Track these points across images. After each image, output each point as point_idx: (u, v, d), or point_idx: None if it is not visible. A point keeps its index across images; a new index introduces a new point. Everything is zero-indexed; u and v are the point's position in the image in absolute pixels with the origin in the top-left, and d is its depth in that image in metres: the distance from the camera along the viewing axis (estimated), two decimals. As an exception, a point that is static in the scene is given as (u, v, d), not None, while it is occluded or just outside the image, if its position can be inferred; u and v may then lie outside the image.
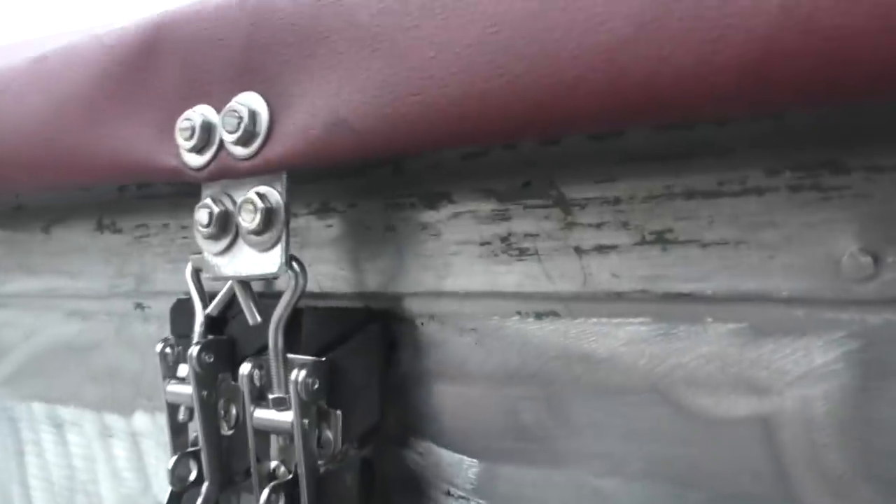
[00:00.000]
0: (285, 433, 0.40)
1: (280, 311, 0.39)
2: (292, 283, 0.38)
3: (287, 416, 0.39)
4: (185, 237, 0.50)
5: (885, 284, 0.29)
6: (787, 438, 0.32)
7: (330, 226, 0.43)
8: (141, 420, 0.56)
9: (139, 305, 0.54)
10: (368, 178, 0.42)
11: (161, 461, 0.57)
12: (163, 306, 0.52)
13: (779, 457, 0.32)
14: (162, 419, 0.55)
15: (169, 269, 0.52)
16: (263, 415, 0.40)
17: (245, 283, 0.41)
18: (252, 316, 0.40)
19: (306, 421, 0.39)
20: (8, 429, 0.67)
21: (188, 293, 0.47)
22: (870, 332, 0.29)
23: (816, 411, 0.31)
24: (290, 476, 0.41)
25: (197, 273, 0.46)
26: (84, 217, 0.56)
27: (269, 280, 0.46)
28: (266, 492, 0.40)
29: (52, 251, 0.58)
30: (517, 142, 0.32)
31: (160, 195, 0.51)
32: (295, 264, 0.38)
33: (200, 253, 0.45)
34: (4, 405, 0.66)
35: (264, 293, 0.46)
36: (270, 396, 0.40)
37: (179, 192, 0.51)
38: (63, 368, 0.60)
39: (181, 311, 0.48)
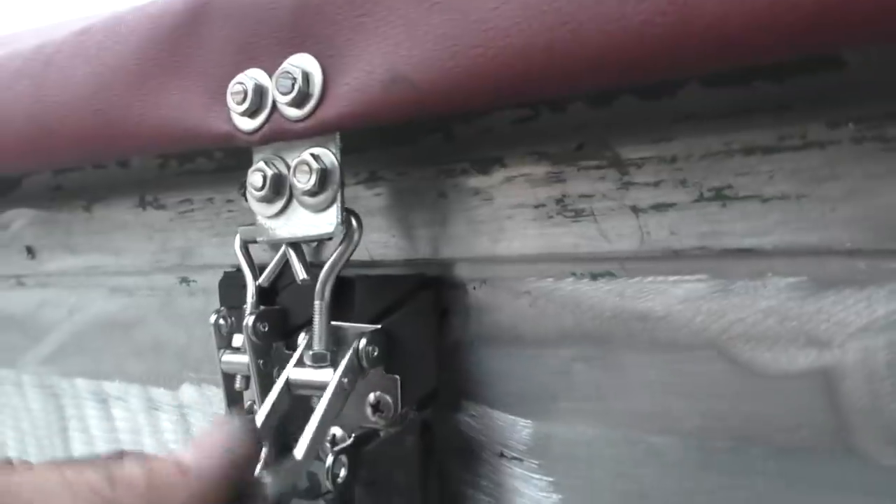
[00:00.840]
0: (320, 391, 0.40)
1: (333, 262, 0.39)
2: (349, 236, 0.38)
3: (324, 375, 0.39)
4: (230, 210, 0.51)
5: (950, 233, 0.29)
6: (848, 390, 0.33)
7: (379, 194, 0.44)
8: (188, 392, 0.57)
9: (184, 280, 0.55)
10: (418, 145, 0.42)
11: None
12: (208, 280, 0.53)
13: (839, 409, 0.33)
14: (209, 391, 0.56)
15: (214, 242, 0.52)
16: (299, 375, 0.40)
17: (297, 246, 0.41)
18: (302, 276, 0.41)
19: (345, 379, 0.39)
20: (52, 405, 0.68)
21: (235, 266, 0.47)
22: (933, 280, 0.30)
23: (878, 362, 0.32)
24: (351, 440, 0.42)
25: (245, 245, 0.47)
26: (125, 195, 0.56)
27: (318, 247, 0.47)
28: (330, 456, 0.41)
29: (94, 229, 0.59)
30: (582, 91, 0.32)
31: (203, 170, 0.52)
32: (353, 219, 0.39)
33: (249, 224, 0.46)
34: (48, 382, 0.67)
35: (313, 263, 0.47)
36: (309, 352, 0.40)
37: (222, 166, 0.51)
38: (107, 344, 0.61)
39: (230, 283, 0.49)
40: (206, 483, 0.30)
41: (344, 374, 0.39)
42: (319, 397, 0.40)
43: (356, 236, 0.39)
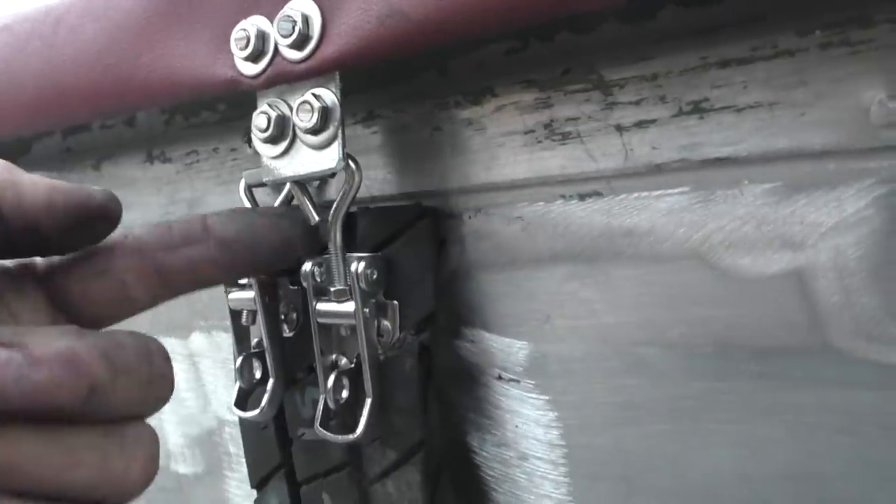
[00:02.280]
0: (348, 322, 0.43)
1: (339, 204, 0.41)
2: (350, 178, 0.41)
3: (349, 307, 0.42)
4: (234, 159, 0.53)
5: (911, 128, 0.31)
6: (822, 288, 0.35)
7: (376, 132, 0.46)
8: (198, 340, 0.59)
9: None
10: (413, 82, 0.44)
11: (219, 379, 0.60)
12: (215, 229, 0.55)
13: (814, 307, 0.35)
14: (219, 337, 0.58)
15: (221, 191, 0.54)
16: (326, 307, 0.43)
17: (302, 186, 0.43)
18: (311, 216, 0.43)
19: (367, 310, 0.42)
20: (66, 364, 0.70)
21: (241, 212, 0.49)
22: (897, 176, 0.32)
23: (849, 258, 0.34)
24: (353, 364, 0.44)
25: (250, 189, 0.49)
26: (133, 151, 0.58)
27: (321, 190, 0.49)
28: (332, 378, 0.43)
29: (103, 186, 0.61)
30: (568, 12, 0.34)
31: (208, 122, 0.54)
32: (351, 162, 0.41)
33: (253, 168, 0.48)
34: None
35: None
36: (332, 289, 0.43)
37: (226, 117, 0.53)
38: (119, 299, 0.63)
39: (236, 227, 0.51)
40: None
41: (363, 304, 0.41)
42: (345, 326, 0.44)
43: (357, 176, 0.41)
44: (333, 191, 0.48)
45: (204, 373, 0.60)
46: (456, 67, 0.42)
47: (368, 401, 0.43)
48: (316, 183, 0.48)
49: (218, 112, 0.53)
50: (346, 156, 0.40)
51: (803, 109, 0.33)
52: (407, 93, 0.44)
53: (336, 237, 0.42)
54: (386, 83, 0.45)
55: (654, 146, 0.37)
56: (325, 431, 0.43)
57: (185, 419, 0.63)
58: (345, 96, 0.45)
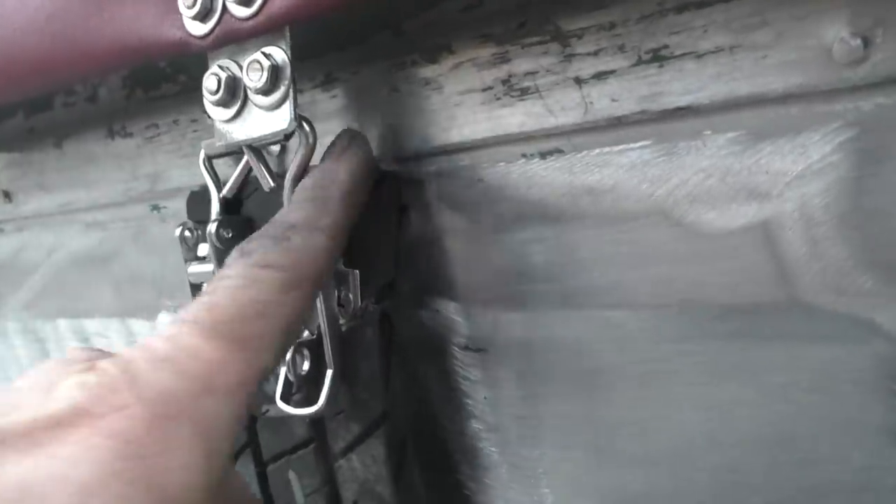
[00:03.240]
0: None
1: (294, 169, 0.40)
2: (303, 140, 0.39)
3: None
4: (195, 130, 0.52)
5: (875, 66, 0.29)
6: (789, 239, 0.33)
7: (335, 96, 0.44)
8: (165, 320, 0.58)
9: (155, 207, 0.56)
10: (370, 42, 0.42)
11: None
12: (178, 205, 0.54)
13: (781, 260, 0.34)
14: (185, 316, 0.57)
15: (182, 164, 0.53)
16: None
17: (258, 151, 0.42)
18: (266, 181, 0.42)
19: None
20: (36, 350, 0.69)
21: (203, 185, 0.48)
22: (863, 118, 0.30)
23: (815, 207, 0.32)
24: (314, 336, 0.43)
25: (209, 159, 0.48)
26: (94, 127, 0.57)
27: (281, 158, 0.48)
28: (290, 351, 0.42)
29: (65, 165, 0.60)
30: None
31: (168, 94, 0.53)
32: (304, 124, 0.39)
33: (212, 138, 0.47)
34: (32, 327, 0.68)
35: (278, 173, 0.47)
36: None
37: (186, 88, 0.52)
38: (86, 281, 0.62)
39: (197, 200, 0.49)
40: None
41: None
42: None
43: (310, 139, 0.40)
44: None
45: (172, 354, 0.59)
46: (412, 26, 0.41)
47: (329, 372, 0.41)
48: (276, 150, 0.46)
49: (178, 83, 0.52)
50: (299, 117, 0.39)
51: (765, 52, 0.32)
52: (364, 54, 0.43)
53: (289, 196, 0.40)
54: (343, 45, 0.44)
55: (613, 98, 0.35)
56: (285, 406, 0.42)
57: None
58: (302, 60, 0.44)
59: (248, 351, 0.30)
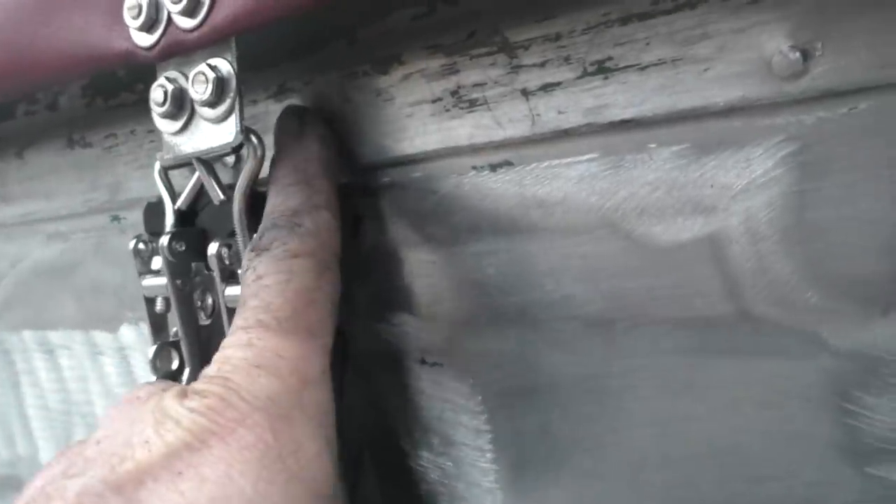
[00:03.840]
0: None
1: (242, 181, 0.39)
2: (251, 153, 0.39)
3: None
4: (152, 141, 0.51)
5: (814, 79, 0.29)
6: (734, 254, 0.33)
7: (288, 107, 0.44)
8: (127, 333, 0.57)
9: (115, 218, 0.55)
10: (323, 52, 0.42)
11: (149, 374, 0.58)
12: (138, 216, 0.53)
13: (727, 274, 0.33)
14: (146, 329, 0.56)
15: (140, 175, 0.52)
16: (234, 292, 0.41)
17: (207, 164, 0.41)
18: (215, 194, 0.41)
19: None
20: (2, 362, 0.68)
21: (160, 196, 0.47)
22: (805, 132, 0.30)
23: (760, 221, 0.32)
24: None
25: (165, 171, 0.47)
26: (54, 136, 0.56)
27: (237, 171, 0.47)
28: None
29: (26, 175, 0.59)
30: None
31: (126, 104, 0.52)
32: (252, 136, 0.39)
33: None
34: (-3, 338, 0.67)
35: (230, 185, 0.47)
36: (239, 271, 0.41)
37: (143, 98, 0.51)
38: (49, 293, 0.61)
39: (153, 212, 0.49)
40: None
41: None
42: None
43: (259, 151, 0.39)
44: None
45: (135, 366, 0.58)
46: (365, 35, 0.41)
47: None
48: (231, 161, 0.46)
49: (136, 92, 0.51)
50: (246, 129, 0.38)
51: (706, 65, 0.31)
52: (317, 63, 0.42)
53: (241, 217, 0.40)
54: (297, 55, 0.43)
55: (559, 111, 0.35)
56: None
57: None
58: (257, 71, 0.44)
59: (318, 338, 0.32)
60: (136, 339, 0.57)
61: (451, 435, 0.44)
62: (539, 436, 0.41)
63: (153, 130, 0.51)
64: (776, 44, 0.30)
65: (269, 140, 0.40)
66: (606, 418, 0.38)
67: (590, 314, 0.37)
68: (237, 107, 0.38)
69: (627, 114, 0.33)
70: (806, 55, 0.29)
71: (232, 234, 0.42)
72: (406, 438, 0.46)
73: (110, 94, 0.53)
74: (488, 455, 0.43)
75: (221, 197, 0.41)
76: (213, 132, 0.39)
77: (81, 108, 0.54)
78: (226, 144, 0.38)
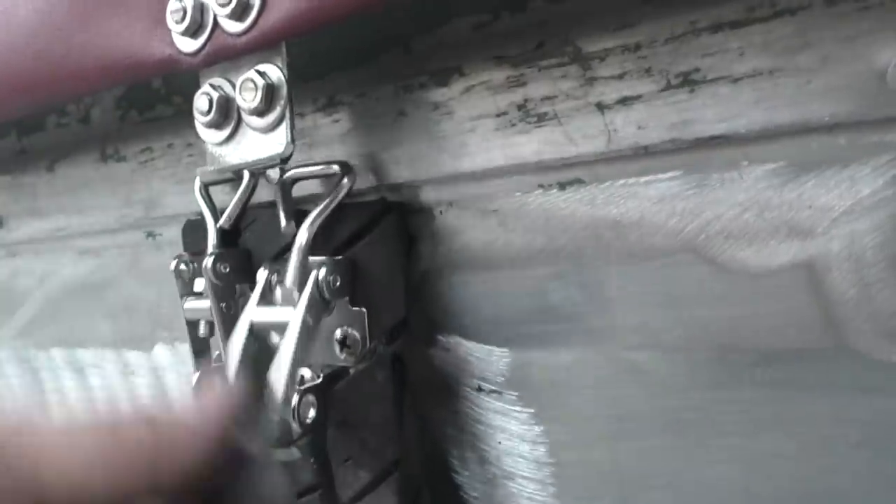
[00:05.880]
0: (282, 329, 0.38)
1: (320, 210, 0.37)
2: (341, 183, 0.37)
3: (289, 313, 0.37)
4: (191, 155, 0.49)
5: (935, 93, 0.27)
6: (835, 281, 0.30)
7: (338, 120, 0.41)
8: (161, 353, 0.55)
9: (150, 234, 0.53)
10: (376, 63, 0.40)
11: (185, 394, 0.56)
12: (174, 233, 0.51)
13: (826, 303, 0.31)
14: (182, 349, 0.54)
15: (177, 190, 0.50)
16: (267, 316, 0.38)
17: (286, 190, 0.39)
18: (283, 221, 0.39)
19: (309, 316, 0.37)
20: (30, 380, 0.66)
21: (199, 213, 0.45)
22: (920, 150, 0.27)
23: (865, 247, 0.29)
24: (321, 379, 0.40)
25: (206, 187, 0.45)
26: (87, 150, 0.54)
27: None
28: (296, 396, 0.39)
29: (58, 190, 0.57)
30: None
31: (162, 117, 0.50)
32: (339, 166, 0.37)
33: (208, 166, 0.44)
34: (25, 356, 0.65)
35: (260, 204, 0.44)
36: (278, 291, 0.38)
37: (181, 111, 0.49)
38: (79, 310, 0.59)
39: (193, 230, 0.47)
40: (209, 444, 0.29)
41: (307, 309, 0.37)
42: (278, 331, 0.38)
43: (349, 180, 0.37)
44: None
45: (169, 387, 0.56)
46: (421, 45, 0.38)
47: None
48: (274, 178, 0.44)
49: (173, 105, 0.49)
50: (339, 164, 0.36)
51: (808, 76, 0.29)
52: (369, 75, 0.40)
53: (304, 251, 0.37)
54: (347, 66, 0.41)
55: (640, 126, 0.32)
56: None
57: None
58: (304, 81, 0.41)
59: None
60: (172, 359, 0.55)
61: (509, 467, 0.41)
62: (607, 469, 0.38)
63: (192, 144, 0.49)
64: (890, 55, 0.27)
65: (321, 154, 0.38)
66: (684, 454, 0.36)
67: (668, 342, 0.35)
68: (288, 115, 0.36)
69: (717, 130, 0.31)
70: (925, 66, 0.26)
71: (279, 255, 0.39)
72: (461, 470, 0.43)
73: (146, 107, 0.51)
74: (550, 488, 0.40)
75: (286, 225, 0.38)
76: (261, 142, 0.37)
77: (115, 120, 0.52)
78: (275, 155, 0.36)
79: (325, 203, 0.38)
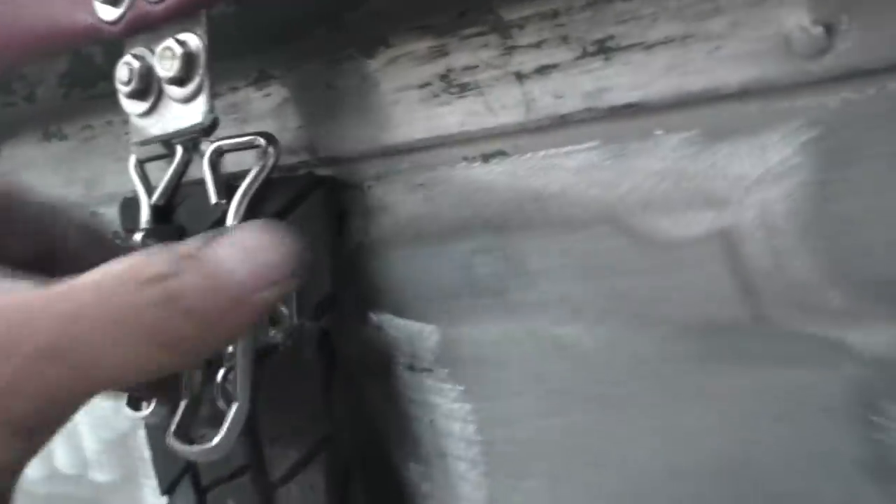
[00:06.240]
0: None
1: (248, 184, 0.36)
2: (267, 153, 0.36)
3: None
4: (129, 132, 0.48)
5: (839, 56, 0.26)
6: (749, 251, 0.30)
7: (269, 94, 0.41)
8: (106, 335, 0.55)
9: (92, 213, 0.52)
10: (307, 37, 0.39)
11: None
12: (116, 211, 0.51)
13: (742, 274, 0.30)
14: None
15: (117, 168, 0.50)
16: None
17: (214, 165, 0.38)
18: (212, 193, 0.38)
19: None
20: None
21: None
22: (827, 116, 0.27)
23: (777, 215, 0.29)
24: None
25: (141, 164, 0.44)
26: (31, 129, 0.54)
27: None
28: (221, 373, 0.38)
29: (3, 170, 0.56)
30: None
31: (105, 94, 0.49)
32: (264, 138, 0.36)
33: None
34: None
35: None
36: None
37: (122, 87, 0.48)
38: (27, 292, 0.58)
39: (130, 207, 0.46)
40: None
41: None
42: None
43: (274, 151, 0.37)
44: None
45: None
46: (352, 18, 0.38)
47: (234, 406, 0.35)
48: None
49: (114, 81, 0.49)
50: (263, 135, 0.36)
51: (718, 42, 0.28)
52: (300, 50, 0.40)
53: (234, 215, 0.37)
54: (279, 40, 0.40)
55: (557, 95, 0.32)
56: (176, 444, 0.35)
57: (99, 422, 0.58)
58: (237, 58, 0.41)
59: None
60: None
61: (441, 446, 0.41)
62: (536, 447, 0.38)
63: (131, 121, 0.49)
64: (796, 18, 0.27)
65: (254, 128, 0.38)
66: (609, 428, 0.35)
67: (589, 316, 0.34)
68: (206, 84, 0.35)
69: (631, 97, 0.30)
70: (829, 30, 0.26)
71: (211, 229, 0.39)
72: (396, 449, 0.43)
73: (88, 84, 0.50)
74: (481, 467, 0.40)
75: (216, 199, 0.38)
76: (181, 112, 0.36)
77: (59, 98, 0.52)
78: (195, 125, 0.36)
79: (252, 175, 0.37)
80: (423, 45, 0.35)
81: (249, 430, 0.39)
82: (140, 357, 0.25)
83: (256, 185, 0.37)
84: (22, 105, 0.54)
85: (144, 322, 0.24)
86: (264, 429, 0.40)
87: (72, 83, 0.51)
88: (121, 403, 0.57)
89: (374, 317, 0.41)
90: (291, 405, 0.40)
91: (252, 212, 0.39)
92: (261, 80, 0.41)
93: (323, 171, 0.40)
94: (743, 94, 0.28)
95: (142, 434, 0.56)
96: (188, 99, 0.35)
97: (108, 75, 0.49)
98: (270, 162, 0.37)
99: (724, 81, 0.28)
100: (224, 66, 0.38)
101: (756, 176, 0.29)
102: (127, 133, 0.48)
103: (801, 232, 0.29)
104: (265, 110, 0.41)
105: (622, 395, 0.34)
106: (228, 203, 0.37)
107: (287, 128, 0.41)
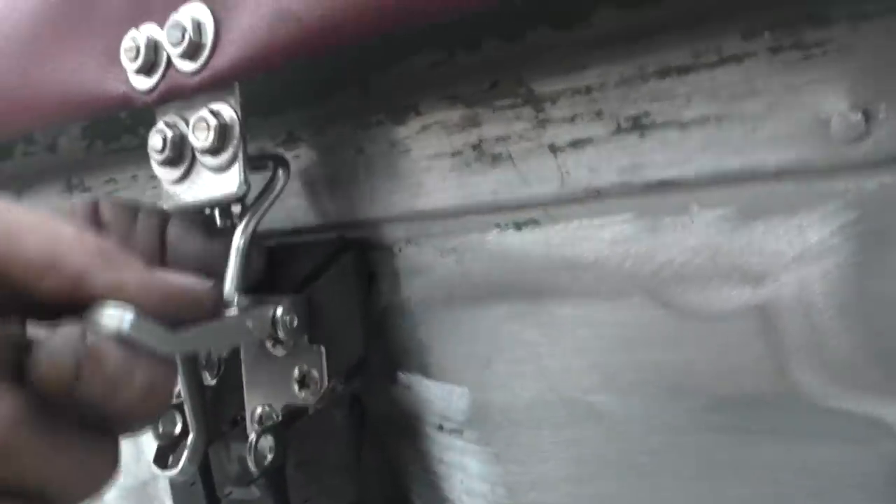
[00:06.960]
0: None
1: (253, 215, 0.36)
2: (274, 180, 0.37)
3: None
4: (155, 187, 0.48)
5: (878, 143, 0.26)
6: (786, 327, 0.30)
7: (297, 156, 0.41)
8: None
9: (116, 265, 0.53)
10: (334, 100, 0.39)
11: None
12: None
13: (777, 349, 0.30)
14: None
15: (141, 222, 0.50)
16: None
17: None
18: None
19: None
20: None
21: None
22: (865, 199, 0.27)
23: (815, 293, 0.29)
24: (280, 419, 0.39)
25: (168, 221, 0.45)
26: (53, 180, 0.54)
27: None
28: (253, 436, 0.38)
29: (25, 219, 0.57)
30: (470, 10, 0.29)
31: (128, 147, 0.50)
32: (272, 162, 0.37)
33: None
34: None
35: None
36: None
37: (146, 141, 0.49)
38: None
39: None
40: None
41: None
42: None
43: (280, 183, 0.37)
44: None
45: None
46: (379, 83, 0.38)
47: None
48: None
49: (138, 136, 0.49)
50: (272, 159, 0.37)
51: (755, 123, 0.28)
52: (328, 112, 0.40)
53: (242, 248, 0.36)
54: (306, 103, 0.41)
55: (591, 168, 0.32)
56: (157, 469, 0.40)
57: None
58: (265, 117, 0.41)
59: None
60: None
61: (470, 506, 0.41)
62: (566, 511, 0.38)
63: (156, 176, 0.49)
64: (834, 103, 0.27)
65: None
66: (639, 497, 0.35)
67: (622, 385, 0.34)
68: (241, 155, 0.35)
69: (667, 174, 0.31)
70: (868, 116, 0.26)
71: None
72: (422, 508, 0.43)
73: (111, 138, 0.50)
74: (511, 529, 0.40)
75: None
76: (215, 181, 0.36)
77: (81, 150, 0.52)
78: (230, 195, 0.36)
79: (263, 199, 0.37)
80: (454, 114, 0.35)
81: (278, 490, 0.39)
82: None
83: (265, 207, 0.37)
84: (43, 155, 0.54)
85: None
86: (294, 490, 0.40)
87: (94, 136, 0.51)
88: (141, 451, 0.57)
89: (404, 376, 0.41)
90: (321, 468, 0.40)
91: (282, 273, 0.39)
92: (289, 141, 0.41)
93: (352, 234, 0.40)
94: (780, 174, 0.28)
95: (163, 484, 0.56)
96: (222, 168, 0.36)
97: (132, 129, 0.49)
98: (279, 185, 0.37)
99: (762, 162, 0.29)
100: (252, 124, 0.38)
101: (794, 254, 0.29)
102: (154, 188, 0.48)
103: (839, 310, 0.29)
104: (294, 171, 0.41)
105: (656, 464, 0.34)
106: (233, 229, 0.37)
107: (315, 189, 0.41)
